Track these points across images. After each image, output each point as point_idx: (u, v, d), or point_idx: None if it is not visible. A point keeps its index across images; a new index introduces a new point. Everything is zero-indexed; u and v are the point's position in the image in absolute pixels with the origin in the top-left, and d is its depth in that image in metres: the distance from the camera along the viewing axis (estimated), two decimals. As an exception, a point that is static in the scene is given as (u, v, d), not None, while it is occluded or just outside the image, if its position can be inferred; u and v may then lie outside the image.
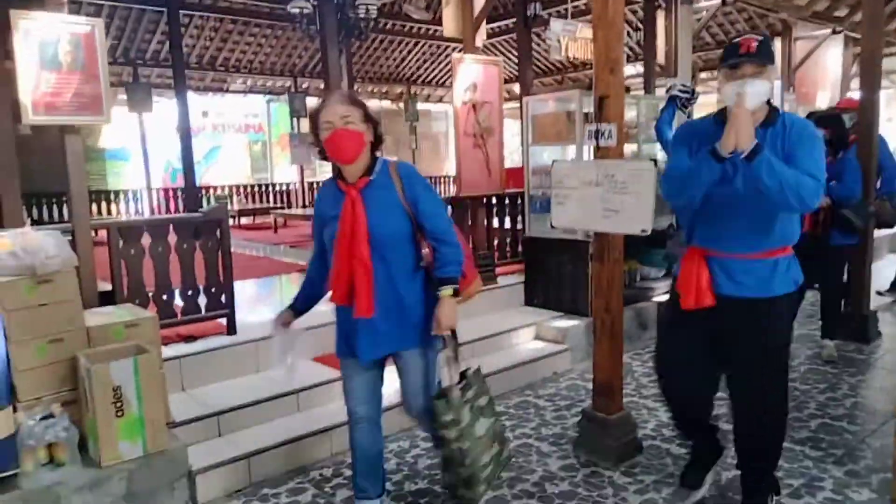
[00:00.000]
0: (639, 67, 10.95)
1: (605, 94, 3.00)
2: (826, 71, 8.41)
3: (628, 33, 11.12)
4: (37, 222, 9.83)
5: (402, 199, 2.33)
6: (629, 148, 5.78)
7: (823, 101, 8.47)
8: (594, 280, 3.21)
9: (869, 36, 4.75)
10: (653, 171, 2.83)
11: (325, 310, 2.59)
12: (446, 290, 2.33)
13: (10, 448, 2.54)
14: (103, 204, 11.81)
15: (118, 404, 2.71)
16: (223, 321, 4.06)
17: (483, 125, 5.09)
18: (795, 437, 3.32)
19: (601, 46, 3.00)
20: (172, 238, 3.89)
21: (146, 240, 3.80)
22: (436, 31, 12.21)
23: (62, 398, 2.83)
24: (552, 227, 3.40)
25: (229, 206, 12.69)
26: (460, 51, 5.27)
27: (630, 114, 5.46)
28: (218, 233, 4.01)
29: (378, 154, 2.42)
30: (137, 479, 2.75)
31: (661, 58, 7.55)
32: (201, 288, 3.99)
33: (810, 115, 4.37)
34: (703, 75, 12.82)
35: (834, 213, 4.22)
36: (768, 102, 2.34)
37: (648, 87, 8.89)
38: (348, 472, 3.17)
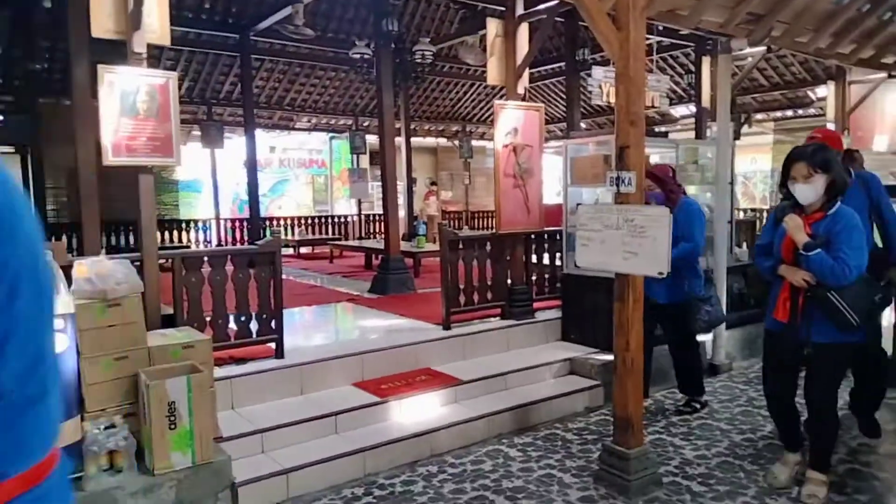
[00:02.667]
0: (692, 108, 11.03)
1: (626, 145, 3.18)
2: (884, 114, 8.27)
3: (681, 75, 11.21)
4: (114, 248, 10.59)
5: None
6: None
7: (881, 145, 8.31)
8: (615, 318, 3.35)
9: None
10: (667, 217, 2.98)
11: (359, 338, 2.82)
12: None
13: (77, 453, 2.86)
14: (175, 232, 12.57)
15: (172, 418, 3.02)
16: (272, 345, 4.36)
17: (523, 167, 5.31)
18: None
19: (623, 100, 3.19)
20: (230, 268, 4.24)
21: (207, 269, 4.17)
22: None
23: (124, 410, 3.16)
24: (576, 266, 3.57)
25: (290, 237, 13.29)
26: (503, 97, 5.53)
27: (668, 155, 5.59)
28: (271, 264, 4.34)
29: None
30: (185, 488, 3.04)
31: (706, 102, 7.63)
32: (253, 314, 4.31)
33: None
34: (759, 116, 12.74)
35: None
36: None
37: (699, 129, 8.98)
38: (378, 492, 3.36)
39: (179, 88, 11.50)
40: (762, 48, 5.57)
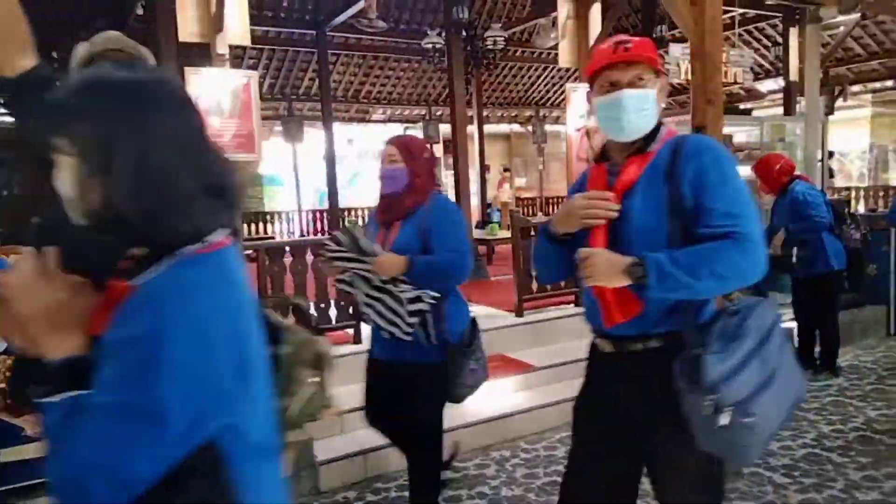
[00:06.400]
0: (780, 82, 10.48)
1: (702, 125, 3.09)
2: None
3: (767, 48, 10.66)
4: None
5: None
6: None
7: None
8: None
9: None
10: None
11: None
12: None
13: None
14: (260, 224, 13.13)
15: (258, 398, 3.20)
16: (350, 331, 4.51)
17: (597, 150, 5.22)
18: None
19: (699, 78, 3.11)
20: (311, 257, 4.42)
21: (288, 258, 4.37)
22: (565, 55, 12.41)
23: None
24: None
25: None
26: (576, 80, 5.45)
27: (753, 133, 5.36)
28: (347, 253, 4.47)
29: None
30: (272, 464, 3.22)
31: (794, 75, 7.24)
32: (332, 301, 4.48)
33: None
34: (855, 88, 11.91)
35: None
36: None
37: (788, 104, 8.51)
38: (451, 475, 3.44)
39: (261, 86, 11.92)
40: (856, 15, 5.21)
